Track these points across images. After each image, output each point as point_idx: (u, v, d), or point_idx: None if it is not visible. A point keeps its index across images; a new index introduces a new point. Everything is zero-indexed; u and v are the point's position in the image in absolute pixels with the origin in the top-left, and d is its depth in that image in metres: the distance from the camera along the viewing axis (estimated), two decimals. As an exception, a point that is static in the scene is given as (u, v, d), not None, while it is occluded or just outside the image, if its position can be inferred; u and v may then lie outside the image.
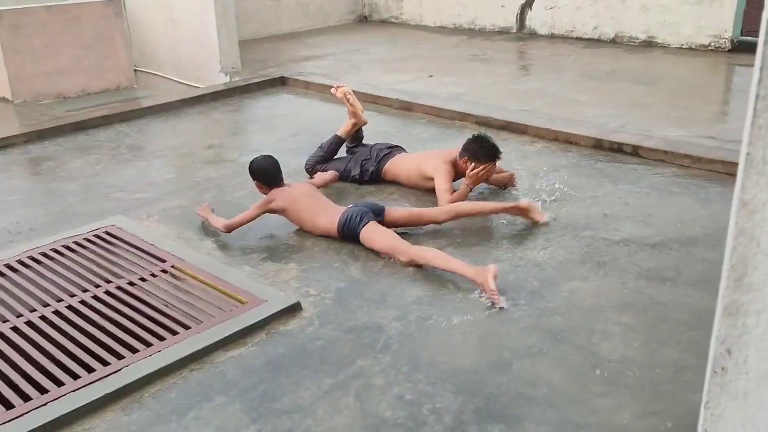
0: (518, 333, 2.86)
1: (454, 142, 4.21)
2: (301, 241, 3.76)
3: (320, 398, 2.52)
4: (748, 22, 8.06)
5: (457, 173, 4.18)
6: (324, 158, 4.58)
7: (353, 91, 4.70)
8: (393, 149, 4.56)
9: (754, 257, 1.01)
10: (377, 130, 5.40)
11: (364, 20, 11.45)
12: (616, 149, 4.91)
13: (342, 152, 4.67)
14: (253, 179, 3.96)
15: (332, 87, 4.77)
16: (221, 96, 6.92)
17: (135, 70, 8.44)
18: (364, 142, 4.72)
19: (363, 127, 4.68)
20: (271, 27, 10.32)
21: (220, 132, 5.94)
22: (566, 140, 5.17)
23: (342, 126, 4.61)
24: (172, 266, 3.48)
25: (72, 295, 3.27)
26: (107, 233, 3.89)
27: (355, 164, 4.49)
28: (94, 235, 3.87)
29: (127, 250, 3.68)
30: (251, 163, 3.96)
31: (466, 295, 3.15)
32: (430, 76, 7.27)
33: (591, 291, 3.15)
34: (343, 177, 4.50)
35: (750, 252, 1.01)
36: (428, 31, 10.18)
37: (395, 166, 4.43)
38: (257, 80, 7.28)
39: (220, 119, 6.31)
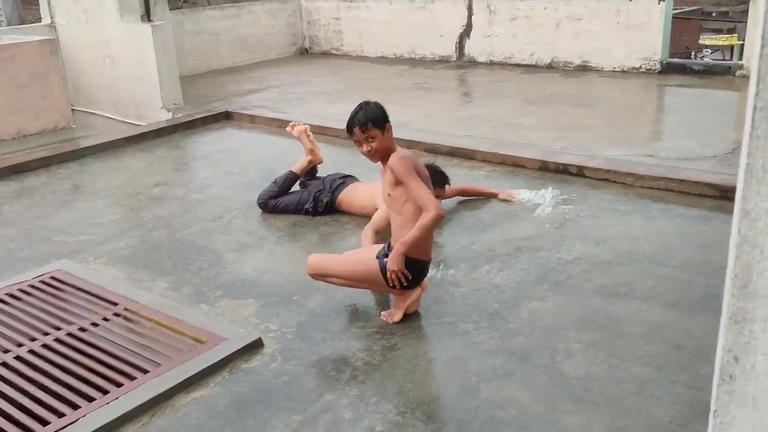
0: (483, 356, 2.87)
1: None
2: (258, 276, 3.70)
3: (289, 436, 2.46)
4: (673, 45, 8.49)
5: None
6: (277, 193, 4.55)
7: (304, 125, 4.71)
8: (346, 179, 4.57)
9: (758, 264, 1.05)
10: (328, 160, 5.38)
11: (305, 53, 11.51)
12: (562, 170, 5.05)
13: (296, 186, 4.65)
14: (384, 123, 3.06)
15: (288, 125, 4.77)
16: (164, 133, 6.82)
17: (72, 110, 8.23)
18: (317, 175, 4.72)
19: None
20: (210, 62, 10.26)
21: (165, 169, 5.83)
22: (513, 163, 5.29)
23: (297, 162, 4.61)
24: (125, 309, 3.37)
25: (20, 345, 3.12)
26: (53, 278, 3.74)
27: (308, 196, 4.47)
28: (39, 282, 3.71)
29: (76, 295, 3.55)
30: (370, 106, 3.08)
31: (430, 321, 3.16)
32: (375, 105, 7.33)
33: (550, 310, 3.21)
34: (297, 210, 4.48)
35: (754, 260, 1.05)
36: (370, 62, 10.31)
37: (349, 197, 4.43)
38: (201, 115, 7.20)
39: (164, 156, 6.19)
